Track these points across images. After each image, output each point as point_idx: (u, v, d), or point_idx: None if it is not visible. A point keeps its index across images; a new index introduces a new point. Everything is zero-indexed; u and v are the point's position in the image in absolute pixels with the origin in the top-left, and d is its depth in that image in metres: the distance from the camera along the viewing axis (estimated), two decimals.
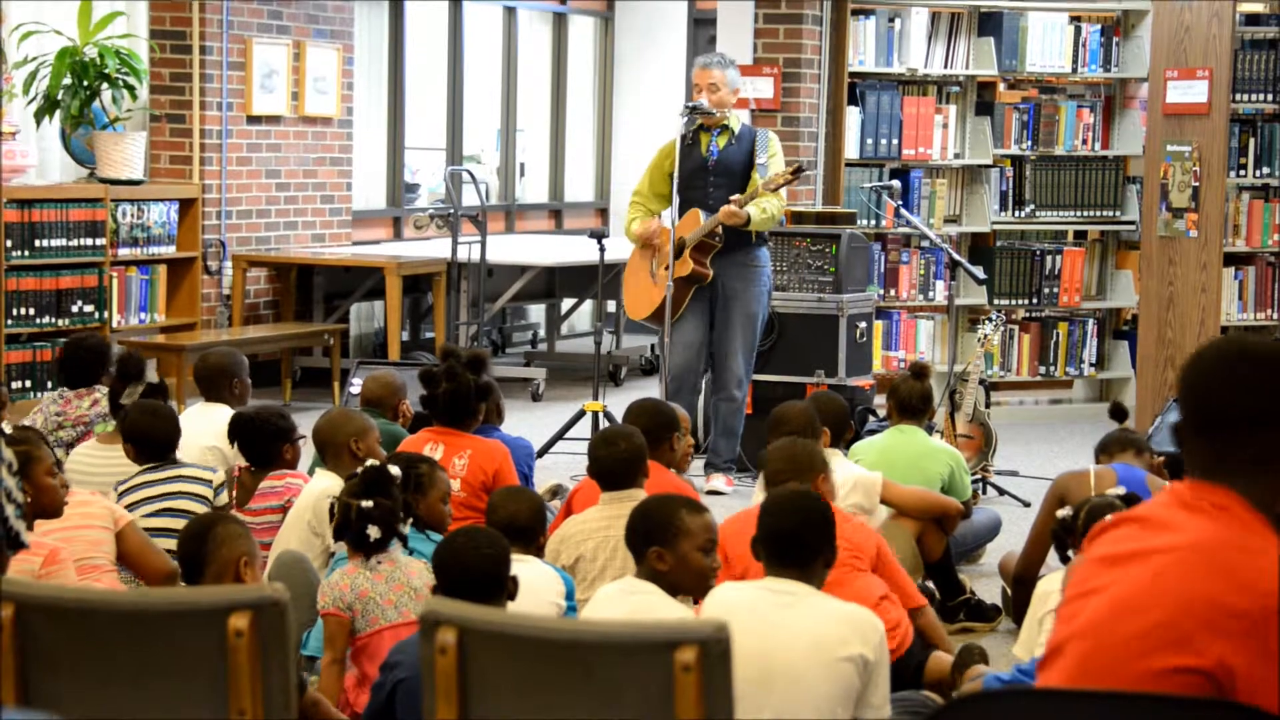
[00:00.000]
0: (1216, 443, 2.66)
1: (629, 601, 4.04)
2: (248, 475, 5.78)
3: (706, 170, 8.06)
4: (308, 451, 5.89)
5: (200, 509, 5.32)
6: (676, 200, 7.91)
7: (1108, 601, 2.66)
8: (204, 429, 6.24)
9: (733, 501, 7.68)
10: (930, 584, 6.32)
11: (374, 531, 4.56)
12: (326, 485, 5.38)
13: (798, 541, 4.01)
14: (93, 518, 4.87)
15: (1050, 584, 4.63)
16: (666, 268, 8.01)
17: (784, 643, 3.85)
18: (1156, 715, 2.49)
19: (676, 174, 7.90)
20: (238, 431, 5.81)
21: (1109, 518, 2.85)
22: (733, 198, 7.82)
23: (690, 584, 4.14)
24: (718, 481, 8.10)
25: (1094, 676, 2.62)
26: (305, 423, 5.94)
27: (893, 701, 4.12)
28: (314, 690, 4.32)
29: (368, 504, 4.56)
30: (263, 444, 5.75)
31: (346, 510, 4.58)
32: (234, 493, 5.69)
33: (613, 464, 5.18)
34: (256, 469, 5.77)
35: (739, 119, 8.17)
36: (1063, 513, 4.73)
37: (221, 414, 6.32)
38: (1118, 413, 6.07)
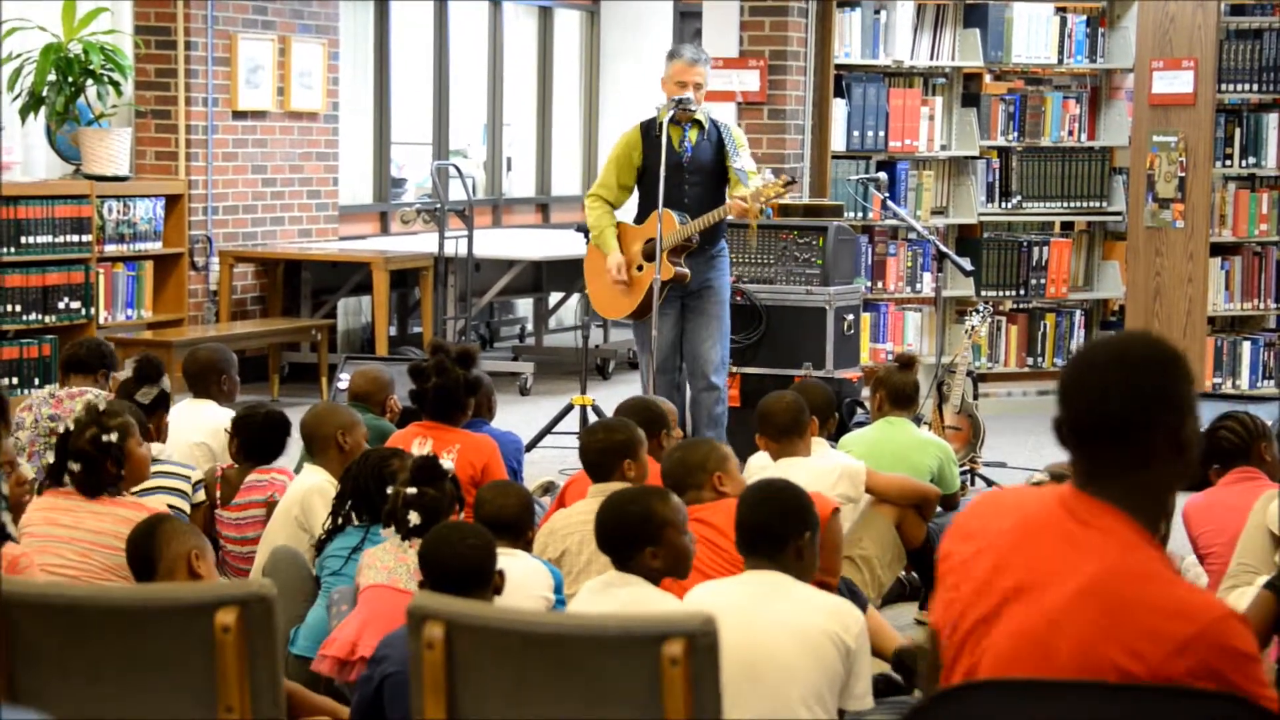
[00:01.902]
0: (1092, 451, 2.67)
1: (618, 595, 4.02)
2: (234, 472, 5.77)
3: (682, 167, 7.96)
4: (292, 450, 5.89)
5: (180, 504, 5.30)
6: (659, 195, 7.85)
7: (1006, 645, 2.65)
8: (192, 425, 6.23)
9: None
10: (913, 574, 6.34)
11: (414, 517, 4.64)
12: (314, 481, 5.38)
13: (766, 531, 3.99)
14: (124, 540, 4.78)
15: None
16: (640, 268, 7.96)
17: (769, 635, 3.85)
18: (1141, 705, 2.50)
19: (640, 168, 7.87)
20: (247, 428, 5.80)
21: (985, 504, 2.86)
22: (738, 195, 7.71)
23: (677, 568, 4.14)
24: None
25: None
26: (292, 419, 5.94)
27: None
28: (288, 683, 4.32)
29: (412, 491, 4.64)
30: (272, 441, 5.76)
31: (395, 497, 4.68)
32: (219, 490, 5.68)
33: (592, 454, 5.20)
34: (246, 464, 5.76)
35: (705, 112, 8.11)
36: (1038, 478, 4.75)
37: (209, 410, 6.31)
38: None
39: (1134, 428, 2.63)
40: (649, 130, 7.91)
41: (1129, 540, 2.62)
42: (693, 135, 7.96)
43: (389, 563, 4.66)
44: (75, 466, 4.83)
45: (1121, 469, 2.65)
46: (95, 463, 4.84)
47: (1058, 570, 2.63)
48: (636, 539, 4.09)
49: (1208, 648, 2.51)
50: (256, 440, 5.79)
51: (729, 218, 7.89)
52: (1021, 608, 2.65)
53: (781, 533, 3.98)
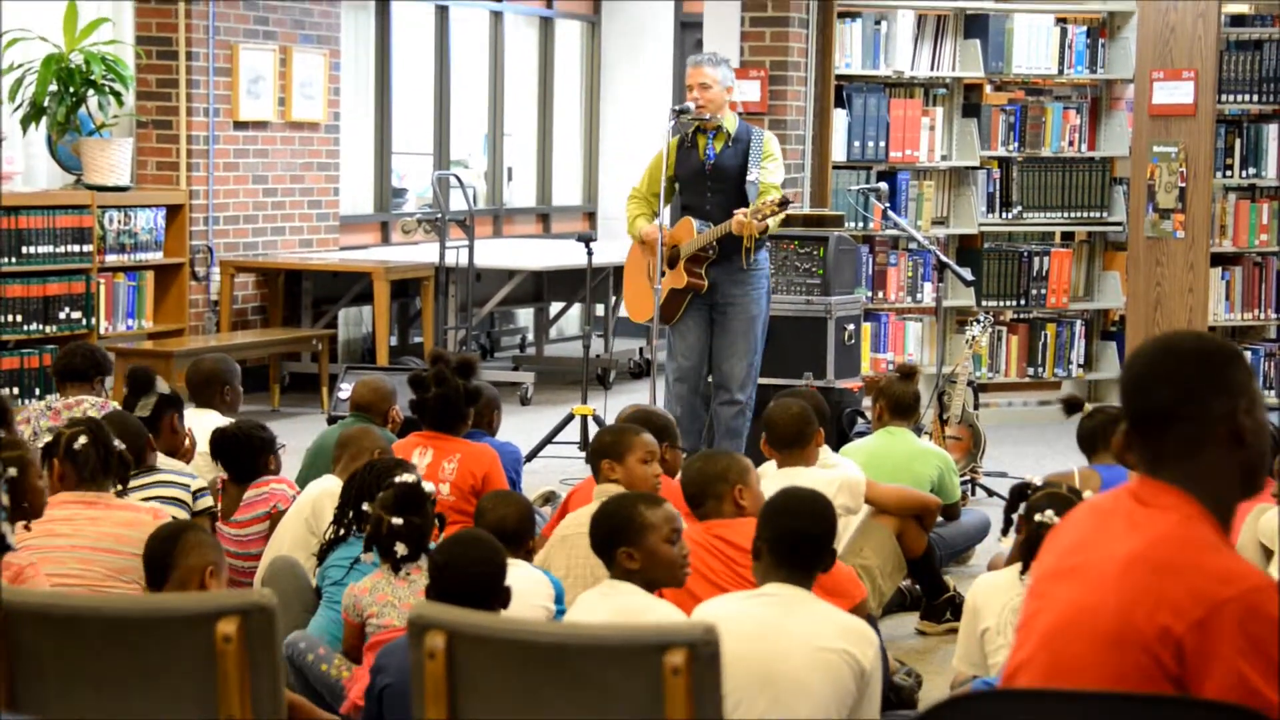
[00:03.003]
0: (1151, 437, 2.75)
1: (612, 603, 4.03)
2: (231, 486, 5.77)
3: (704, 174, 7.95)
4: (288, 463, 5.89)
5: (179, 513, 5.30)
6: (674, 202, 7.87)
7: (1056, 616, 2.72)
8: (195, 434, 6.23)
9: None
10: (915, 584, 6.34)
11: (401, 549, 4.63)
12: (329, 485, 5.39)
13: (813, 542, 3.98)
14: (126, 542, 4.76)
15: (977, 598, 4.64)
16: (664, 273, 7.97)
17: (783, 648, 3.82)
18: (1145, 715, 2.50)
19: (671, 177, 7.86)
20: (220, 447, 5.80)
21: (1058, 521, 2.90)
22: (740, 211, 7.69)
23: (664, 576, 4.14)
24: None
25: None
26: (294, 429, 5.95)
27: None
28: (290, 693, 4.30)
29: (398, 522, 4.62)
30: (247, 458, 5.76)
31: (379, 524, 4.64)
32: (219, 502, 5.69)
33: (590, 454, 5.27)
34: (239, 482, 5.77)
35: (735, 120, 8.07)
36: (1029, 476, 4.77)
37: (212, 420, 6.31)
38: (1072, 406, 6.04)
39: (1178, 414, 2.71)
40: (682, 140, 7.93)
41: (1187, 513, 2.69)
42: (717, 144, 7.94)
43: (409, 600, 4.59)
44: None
45: (1177, 456, 2.72)
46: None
47: (1114, 544, 2.71)
48: (614, 538, 4.13)
49: (1246, 610, 2.56)
50: (230, 459, 5.80)
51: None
52: (1076, 582, 2.72)
53: (824, 544, 4.01)
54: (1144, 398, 2.74)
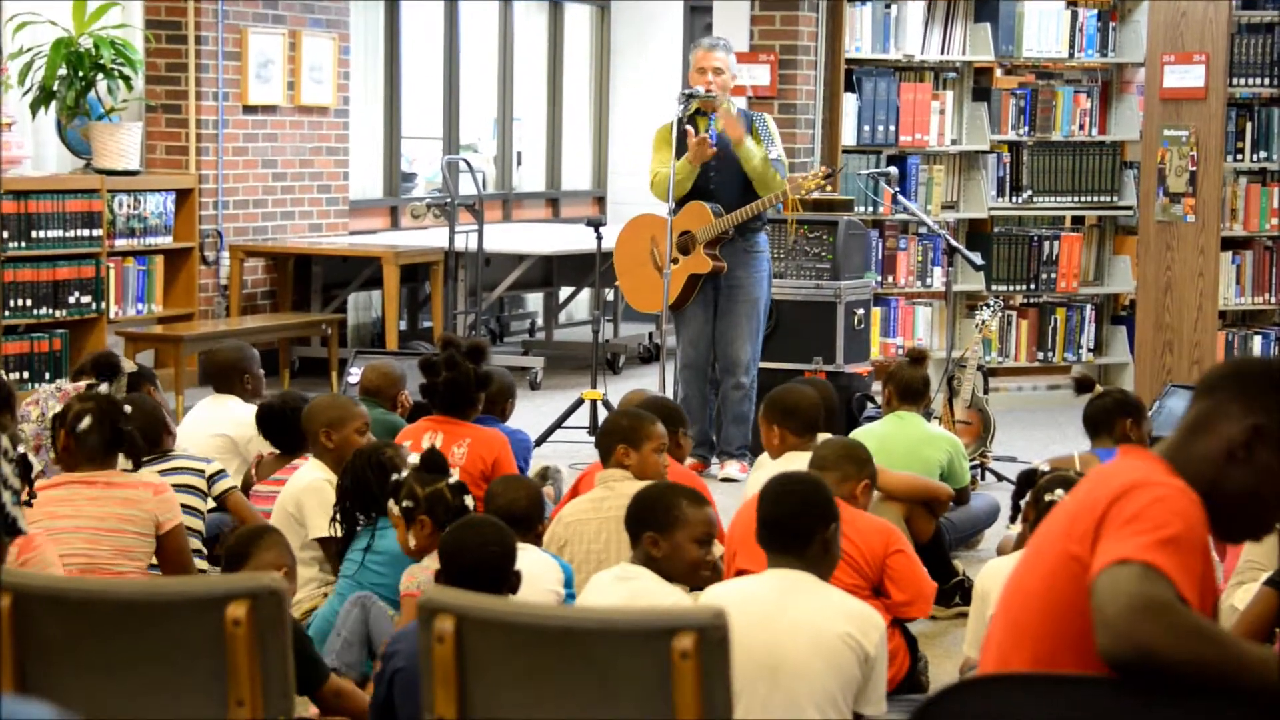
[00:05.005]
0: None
1: (625, 587, 4.03)
2: (269, 460, 5.79)
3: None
4: None
5: (194, 501, 5.30)
6: (673, 186, 7.88)
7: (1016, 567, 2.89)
8: (214, 418, 6.26)
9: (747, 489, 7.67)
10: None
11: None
12: (309, 479, 5.33)
13: (791, 525, 3.92)
14: (129, 521, 4.77)
15: (986, 582, 4.64)
16: (675, 260, 7.97)
17: (786, 634, 3.81)
18: (1145, 701, 2.50)
19: (674, 160, 7.88)
20: (266, 423, 5.83)
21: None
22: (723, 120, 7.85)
23: (682, 574, 4.13)
24: (731, 468, 8.09)
25: (1015, 614, 2.78)
26: None
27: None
28: (338, 680, 4.26)
29: (453, 480, 4.58)
30: (292, 429, 5.73)
31: (440, 497, 4.55)
32: (254, 472, 5.74)
33: (601, 436, 5.29)
34: (281, 456, 5.78)
35: (734, 103, 8.13)
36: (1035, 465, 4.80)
37: (232, 404, 6.32)
38: (1083, 385, 6.03)
39: (1208, 392, 2.76)
40: (680, 123, 7.96)
41: (1152, 459, 2.75)
42: (718, 125, 7.98)
43: None
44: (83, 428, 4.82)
45: (1180, 429, 2.77)
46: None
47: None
48: (646, 522, 4.13)
49: (1127, 485, 2.63)
50: (275, 434, 5.80)
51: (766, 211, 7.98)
52: (1038, 532, 2.87)
53: (808, 527, 3.92)
54: (1205, 376, 2.82)
